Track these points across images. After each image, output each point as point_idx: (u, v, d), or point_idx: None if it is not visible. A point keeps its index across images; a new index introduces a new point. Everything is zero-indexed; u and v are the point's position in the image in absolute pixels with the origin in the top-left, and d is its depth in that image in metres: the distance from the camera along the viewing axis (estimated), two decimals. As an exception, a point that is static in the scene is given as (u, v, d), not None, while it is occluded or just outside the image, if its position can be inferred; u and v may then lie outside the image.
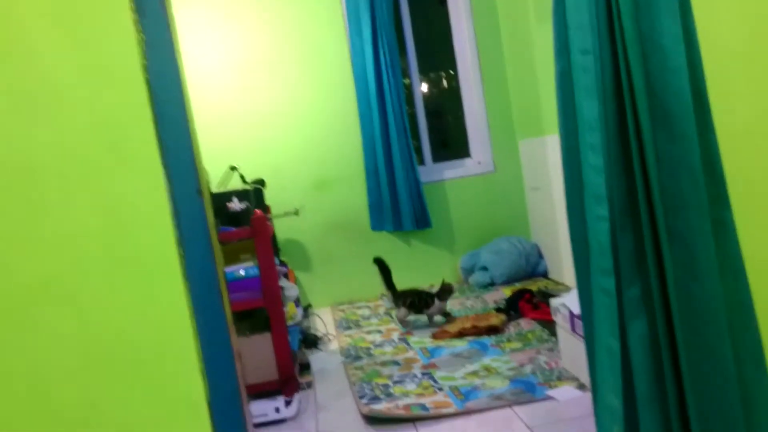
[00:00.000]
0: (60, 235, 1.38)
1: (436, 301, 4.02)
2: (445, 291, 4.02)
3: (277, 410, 2.90)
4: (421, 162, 5.23)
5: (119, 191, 1.40)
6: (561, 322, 2.97)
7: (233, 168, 4.10)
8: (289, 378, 3.06)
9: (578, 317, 2.74)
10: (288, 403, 2.94)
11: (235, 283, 3.07)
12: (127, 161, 1.40)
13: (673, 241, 1.54)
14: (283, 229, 4.88)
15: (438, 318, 4.12)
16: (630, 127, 1.54)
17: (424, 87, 5.39)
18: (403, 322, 4.14)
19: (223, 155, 4.67)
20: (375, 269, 4.29)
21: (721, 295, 1.53)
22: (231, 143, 4.84)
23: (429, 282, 5.13)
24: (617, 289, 1.58)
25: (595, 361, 1.68)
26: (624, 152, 1.57)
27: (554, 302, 3.03)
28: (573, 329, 2.83)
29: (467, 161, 5.27)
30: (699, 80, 1.52)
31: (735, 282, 1.56)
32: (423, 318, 4.15)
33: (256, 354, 3.05)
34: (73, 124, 1.38)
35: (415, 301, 4.06)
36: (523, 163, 5.13)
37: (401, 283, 5.02)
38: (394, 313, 4.12)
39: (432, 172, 5.18)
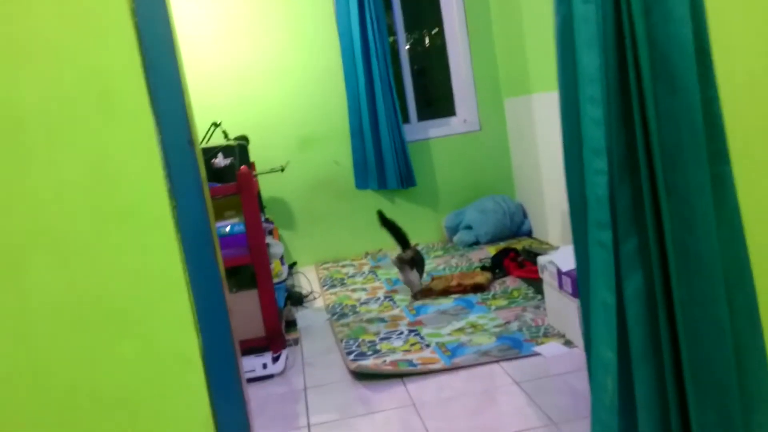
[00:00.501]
0: (47, 187, 1.34)
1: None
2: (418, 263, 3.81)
3: (265, 366, 2.90)
4: (406, 120, 5.18)
5: (108, 141, 1.36)
6: (548, 279, 2.98)
7: (216, 124, 4.03)
8: (276, 334, 3.05)
9: (566, 274, 2.75)
10: (275, 359, 2.93)
11: (221, 240, 3.04)
12: (116, 110, 1.35)
13: (671, 195, 1.53)
14: (267, 186, 4.83)
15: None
16: (631, 80, 1.51)
17: (410, 45, 5.31)
18: (414, 290, 3.75)
19: (206, 111, 4.58)
20: (379, 228, 3.97)
21: (718, 250, 1.53)
22: (213, 99, 4.75)
23: (414, 241, 5.12)
24: (614, 242, 1.57)
25: (589, 315, 1.68)
26: (624, 105, 1.55)
27: (542, 260, 3.04)
28: (560, 286, 2.84)
29: (452, 120, 5.23)
30: (702, 32, 1.49)
31: (732, 237, 1.55)
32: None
33: (242, 311, 3.03)
34: (58, 72, 1.33)
35: (417, 259, 3.75)
36: (508, 122, 5.10)
37: (384, 242, 5.03)
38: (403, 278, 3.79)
39: (417, 130, 5.13)
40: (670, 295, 1.56)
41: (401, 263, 3.76)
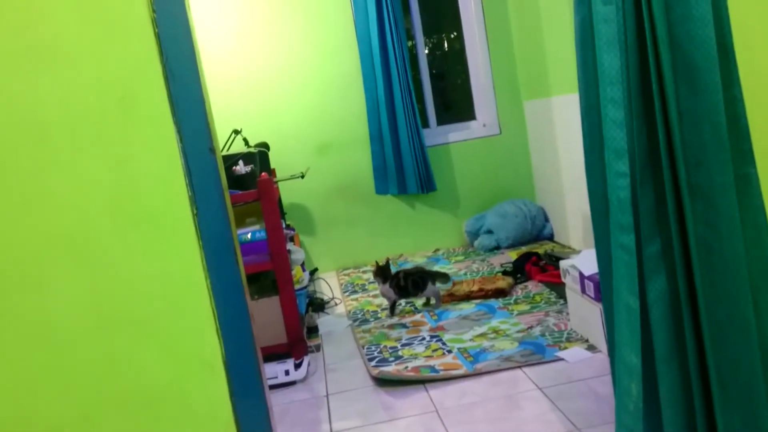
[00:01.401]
0: (69, 191, 1.35)
1: (429, 285, 3.64)
2: (441, 276, 3.74)
3: (287, 372, 2.90)
4: (426, 125, 5.17)
5: (129, 147, 1.37)
6: (570, 283, 2.95)
7: (236, 131, 4.05)
8: (298, 341, 3.05)
9: (589, 279, 2.72)
10: (297, 366, 2.94)
11: (242, 247, 3.05)
12: (137, 117, 1.37)
13: (694, 197, 1.51)
14: (288, 193, 4.84)
15: (433, 301, 3.72)
16: (652, 80, 1.50)
17: (429, 49, 5.31)
18: (387, 298, 3.71)
19: (226, 119, 4.61)
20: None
21: (743, 252, 1.51)
22: (233, 107, 4.78)
23: (434, 246, 5.12)
24: (637, 245, 1.56)
25: (613, 319, 1.66)
26: (646, 106, 1.53)
27: (564, 264, 3.01)
28: (583, 291, 2.81)
29: (472, 124, 5.21)
30: (725, 31, 1.48)
31: (757, 238, 1.53)
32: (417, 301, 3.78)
33: (264, 317, 3.04)
34: (80, 79, 1.35)
35: (403, 284, 3.61)
36: (528, 125, 5.07)
37: (405, 247, 5.02)
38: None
39: (437, 135, 5.12)
40: (695, 297, 1.54)
41: (374, 277, 3.71)
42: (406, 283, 3.59)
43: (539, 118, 4.79)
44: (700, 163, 1.50)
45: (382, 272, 3.66)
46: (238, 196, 3.02)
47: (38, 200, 1.35)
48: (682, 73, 1.48)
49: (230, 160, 3.34)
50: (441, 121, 5.22)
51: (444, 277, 3.76)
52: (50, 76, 1.33)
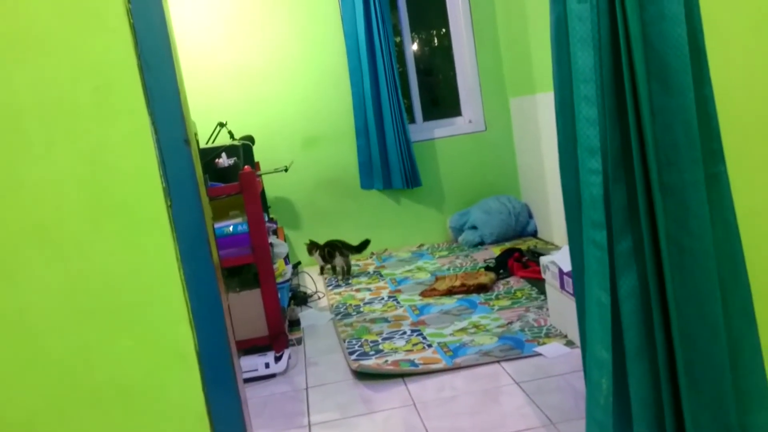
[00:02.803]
0: (42, 181, 1.35)
1: (337, 255, 4.49)
2: (351, 248, 4.60)
3: (267, 365, 2.91)
4: (412, 120, 5.19)
5: (103, 138, 1.37)
6: (550, 279, 2.98)
7: (221, 124, 4.05)
8: (279, 334, 3.06)
9: (568, 275, 2.75)
10: (278, 359, 2.95)
11: (224, 239, 3.05)
12: (112, 107, 1.37)
13: (665, 195, 1.53)
14: (272, 186, 4.85)
15: (338, 269, 4.55)
16: (625, 79, 1.51)
17: (416, 45, 5.32)
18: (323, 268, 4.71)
19: (212, 112, 4.60)
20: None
21: (712, 249, 1.53)
22: (219, 100, 4.77)
23: (419, 241, 5.13)
24: (608, 242, 1.57)
25: (584, 314, 1.68)
26: (618, 104, 1.55)
27: (544, 260, 3.03)
28: (562, 287, 2.83)
29: (458, 120, 5.23)
30: (697, 31, 1.49)
31: (726, 236, 1.55)
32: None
33: (246, 310, 3.05)
34: (54, 69, 1.34)
35: (324, 253, 4.54)
36: (514, 122, 5.09)
37: (390, 242, 5.03)
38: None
39: (422, 130, 5.14)
40: (665, 294, 1.56)
41: (309, 249, 4.62)
42: (323, 253, 4.53)
43: (524, 115, 4.81)
44: (671, 162, 1.52)
45: (314, 245, 4.59)
46: (220, 188, 3.03)
47: (10, 191, 1.34)
48: (655, 72, 1.50)
49: (213, 153, 3.34)
50: (427, 116, 5.24)
51: (355, 249, 4.59)
52: (24, 66, 1.33)
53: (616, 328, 1.61)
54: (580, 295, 1.74)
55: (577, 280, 1.74)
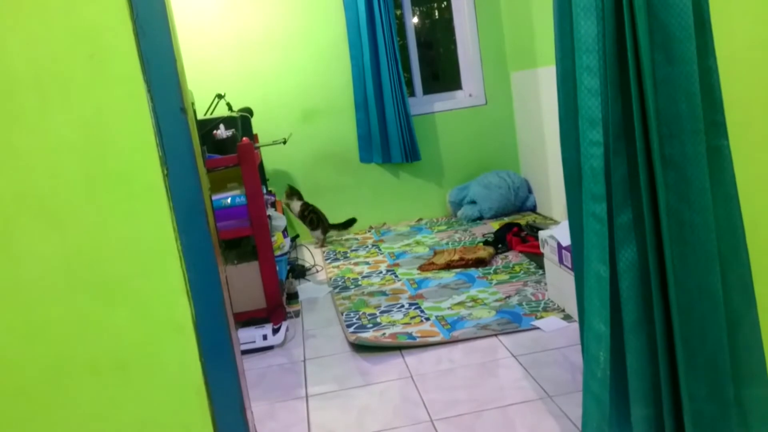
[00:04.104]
0: (37, 149, 1.34)
1: (320, 229, 4.67)
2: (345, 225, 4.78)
3: (265, 337, 2.91)
4: (412, 94, 5.15)
5: (99, 106, 1.36)
6: (549, 253, 2.97)
7: (220, 96, 4.02)
8: (277, 306, 3.06)
9: (566, 249, 2.74)
10: (275, 331, 2.95)
11: (222, 212, 3.04)
12: (107, 74, 1.35)
13: (666, 167, 1.51)
14: (271, 159, 4.82)
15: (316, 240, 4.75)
16: (628, 49, 1.49)
17: (416, 18, 5.26)
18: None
19: (210, 84, 4.56)
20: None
21: (713, 223, 1.52)
22: (217, 72, 4.73)
23: (417, 216, 5.12)
24: (608, 214, 1.56)
25: (583, 287, 1.68)
26: (621, 75, 1.52)
27: (542, 234, 3.03)
28: (560, 261, 2.83)
29: (458, 93, 5.19)
30: (702, 1, 1.47)
31: (728, 210, 1.54)
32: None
33: (243, 282, 3.05)
34: (49, 35, 1.32)
35: (311, 216, 4.67)
36: (514, 96, 5.06)
37: (388, 216, 5.02)
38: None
39: (422, 104, 5.10)
40: (664, 267, 1.55)
41: (289, 195, 4.67)
42: (309, 215, 4.64)
43: (525, 90, 4.77)
44: (673, 134, 1.50)
45: (295, 193, 4.67)
46: (218, 160, 3.01)
47: (4, 159, 1.33)
48: (658, 42, 1.47)
49: (211, 124, 3.31)
50: (427, 90, 5.20)
51: (341, 226, 4.78)
52: (18, 32, 1.31)
53: (615, 302, 1.61)
54: (579, 269, 1.73)
55: (577, 253, 1.73)
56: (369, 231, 4.98)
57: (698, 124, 1.49)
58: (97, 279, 1.40)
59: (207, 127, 3.29)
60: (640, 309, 1.59)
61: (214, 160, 2.99)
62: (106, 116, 1.36)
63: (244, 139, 3.10)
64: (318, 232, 4.69)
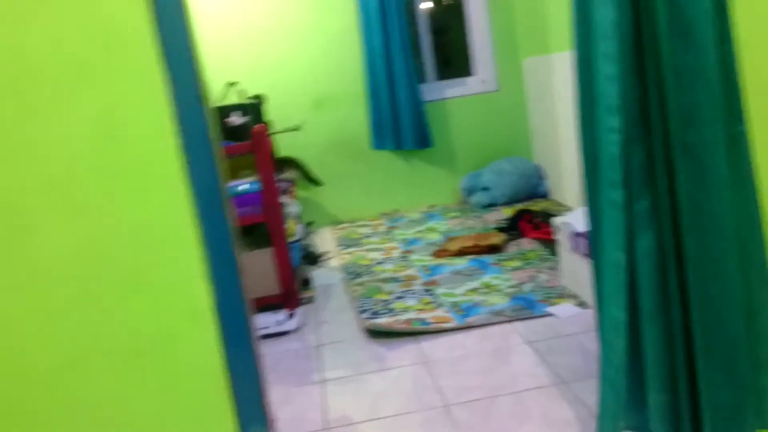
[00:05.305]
0: (55, 139, 1.34)
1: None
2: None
3: (279, 323, 2.93)
4: (423, 80, 5.12)
5: (117, 94, 1.36)
6: (563, 240, 2.97)
7: (231, 84, 4.02)
8: (291, 292, 3.08)
9: (580, 236, 2.74)
10: (290, 317, 2.97)
11: (235, 199, 3.05)
12: (125, 64, 1.35)
13: (685, 155, 1.50)
14: (283, 145, 4.82)
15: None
16: (646, 35, 1.48)
17: (428, 3, 5.23)
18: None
19: (221, 71, 4.56)
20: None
21: (731, 210, 1.51)
22: (229, 60, 4.72)
23: (429, 202, 5.12)
24: (626, 202, 1.56)
25: (600, 274, 1.68)
26: (639, 61, 1.52)
27: (556, 221, 3.02)
28: (575, 248, 2.83)
29: (470, 80, 5.17)
30: (721, -14, 1.45)
31: (745, 197, 1.54)
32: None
33: (257, 269, 3.06)
34: (67, 24, 1.32)
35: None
36: (527, 83, 5.03)
37: (400, 202, 5.03)
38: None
39: (434, 90, 5.08)
40: (681, 254, 1.55)
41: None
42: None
43: (538, 76, 4.75)
44: (691, 121, 1.49)
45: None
46: (232, 147, 3.01)
47: (23, 149, 1.34)
48: (677, 28, 1.46)
49: (224, 112, 3.32)
50: (439, 76, 5.17)
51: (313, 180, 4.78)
52: (37, 22, 1.31)
53: (632, 289, 1.61)
54: (596, 256, 1.73)
55: (594, 240, 1.73)
56: (381, 217, 4.99)
57: (716, 112, 1.48)
58: (116, 267, 1.41)
59: (220, 114, 3.30)
60: (657, 296, 1.59)
61: (228, 148, 3.00)
62: (124, 105, 1.36)
63: (257, 126, 3.11)
64: (294, 172, 4.68)
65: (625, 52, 1.50)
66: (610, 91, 1.52)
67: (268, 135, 3.37)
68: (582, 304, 2.82)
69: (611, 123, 1.53)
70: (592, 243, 1.78)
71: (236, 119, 3.27)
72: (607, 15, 1.49)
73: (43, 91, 1.33)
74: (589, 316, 2.69)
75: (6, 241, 1.36)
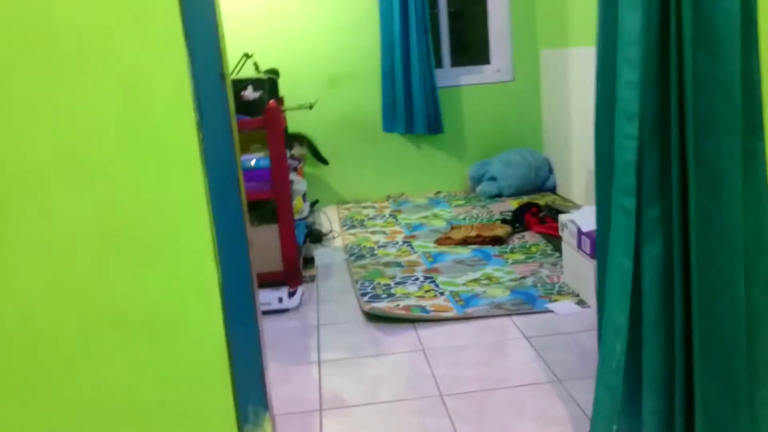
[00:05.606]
0: (76, 107, 1.34)
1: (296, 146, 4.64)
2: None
3: (280, 300, 2.95)
4: (439, 65, 5.10)
5: (139, 68, 1.36)
6: (567, 238, 2.97)
7: (247, 55, 4.00)
8: (293, 270, 3.09)
9: (586, 235, 2.74)
10: (291, 294, 2.99)
11: (245, 173, 3.05)
12: (150, 37, 1.35)
13: (699, 165, 1.50)
14: (293, 122, 4.81)
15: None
16: (671, 44, 1.48)
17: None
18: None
19: (237, 42, 4.53)
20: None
21: (740, 223, 1.51)
22: (245, 30, 4.70)
23: (436, 188, 5.12)
24: (637, 208, 1.56)
25: (605, 278, 1.68)
26: (661, 69, 1.51)
27: (563, 218, 3.03)
28: (579, 246, 2.83)
29: (486, 68, 5.14)
30: (750, 0, 1.44)
31: (757, 212, 1.53)
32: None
33: (262, 245, 3.07)
34: (93, -7, 1.32)
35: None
36: (542, 75, 5.00)
37: (407, 186, 5.03)
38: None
39: (449, 76, 5.06)
40: (688, 264, 1.56)
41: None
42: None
43: (554, 68, 4.72)
44: (709, 132, 1.49)
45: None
46: (245, 122, 3.01)
47: (45, 116, 1.34)
48: (703, 39, 1.46)
49: (239, 85, 3.31)
50: (455, 62, 5.15)
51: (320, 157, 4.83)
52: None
53: (636, 295, 1.61)
54: (602, 259, 1.74)
55: (601, 243, 1.74)
56: (387, 200, 5.00)
57: (735, 124, 1.48)
58: (128, 239, 1.42)
59: (235, 87, 3.29)
60: (660, 303, 1.60)
61: (241, 122, 2.99)
62: (146, 79, 1.36)
63: (272, 101, 3.10)
64: (299, 149, 4.69)
65: (648, 59, 1.50)
66: (629, 97, 1.52)
67: (282, 111, 3.37)
68: (582, 303, 2.83)
69: (628, 129, 1.53)
70: (599, 245, 1.79)
71: (250, 93, 3.26)
72: (633, 20, 1.49)
73: (68, 61, 1.33)
74: (589, 314, 2.70)
75: (23, 206, 1.37)
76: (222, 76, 1.49)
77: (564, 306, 2.82)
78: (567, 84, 4.48)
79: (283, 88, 4.54)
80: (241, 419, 1.53)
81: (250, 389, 1.60)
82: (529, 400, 2.14)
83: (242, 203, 1.58)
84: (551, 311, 2.79)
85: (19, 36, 1.31)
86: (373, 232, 4.16)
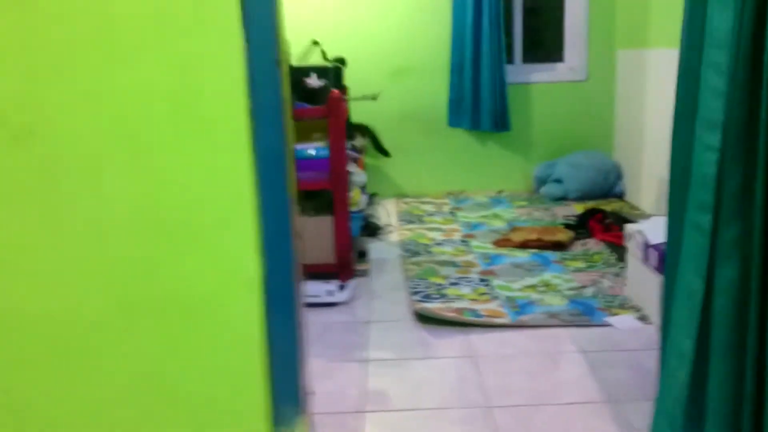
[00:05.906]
0: (131, 87, 1.32)
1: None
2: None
3: (330, 293, 2.91)
4: (510, 61, 4.95)
5: (195, 51, 1.32)
6: (633, 249, 2.83)
7: (315, 42, 3.97)
8: (346, 263, 3.04)
9: (654, 248, 2.59)
10: (342, 288, 2.94)
11: (303, 162, 3.02)
12: (206, 20, 1.31)
13: (787, 184, 1.37)
14: (357, 113, 4.76)
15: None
16: (766, 48, 1.34)
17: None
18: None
19: (305, 29, 4.51)
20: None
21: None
22: (314, 17, 4.67)
23: (498, 187, 5.00)
24: (713, 227, 1.43)
25: (672, 297, 1.56)
26: (751, 76, 1.38)
27: (630, 227, 2.88)
28: (645, 259, 2.69)
29: (559, 66, 4.97)
30: None
31: None
32: None
33: (316, 235, 3.03)
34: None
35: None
36: (618, 76, 4.81)
37: (469, 183, 4.93)
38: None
39: (520, 72, 4.92)
40: (766, 290, 1.42)
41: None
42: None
43: (631, 70, 4.53)
44: (801, 147, 1.35)
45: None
46: (306, 110, 2.97)
47: (101, 94, 1.32)
48: (802, 43, 1.32)
49: (303, 72, 3.27)
50: (526, 58, 5.00)
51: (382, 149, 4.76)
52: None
53: (705, 320, 1.49)
54: (670, 277, 1.61)
55: (671, 260, 1.61)
56: (446, 196, 4.90)
57: (832, 139, 1.34)
58: (173, 224, 1.39)
59: (299, 75, 3.25)
60: (733, 331, 1.46)
61: (302, 110, 2.95)
62: (201, 62, 1.32)
63: (334, 90, 3.05)
64: (360, 140, 4.59)
65: (737, 65, 1.36)
66: (713, 105, 1.39)
67: (345, 101, 3.32)
68: (644, 318, 2.68)
69: (710, 140, 1.40)
70: (667, 261, 1.66)
71: (314, 81, 3.22)
72: (723, 22, 1.36)
73: (126, 40, 1.30)
74: (650, 332, 2.56)
75: (78, 189, 1.35)
76: (277, 63, 1.43)
77: (624, 320, 2.68)
78: (644, 87, 4.29)
79: (349, 78, 4.49)
80: (275, 416, 1.49)
81: (284, 385, 1.55)
82: (579, 419, 2.03)
83: (290, 194, 1.53)
84: (610, 325, 2.65)
85: (79, 17, 1.29)
86: (430, 229, 4.08)
